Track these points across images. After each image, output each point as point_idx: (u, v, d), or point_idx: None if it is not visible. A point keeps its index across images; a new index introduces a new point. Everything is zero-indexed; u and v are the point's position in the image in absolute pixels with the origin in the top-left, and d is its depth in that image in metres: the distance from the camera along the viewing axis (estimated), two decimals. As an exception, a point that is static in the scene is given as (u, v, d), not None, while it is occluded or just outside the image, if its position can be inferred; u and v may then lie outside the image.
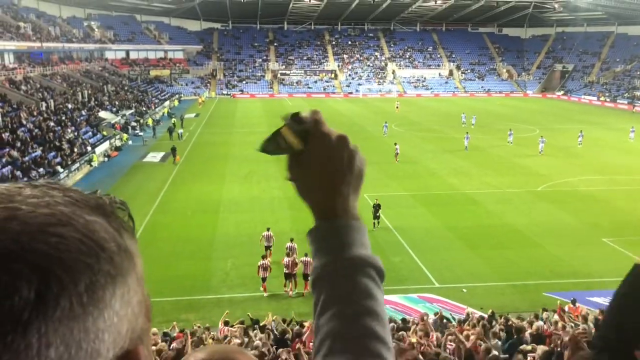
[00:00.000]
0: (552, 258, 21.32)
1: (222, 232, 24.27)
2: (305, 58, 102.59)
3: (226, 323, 13.78)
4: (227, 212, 27.27)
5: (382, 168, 36.00)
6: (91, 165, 37.80)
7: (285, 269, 18.49)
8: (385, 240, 23.01)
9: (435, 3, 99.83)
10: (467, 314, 14.77)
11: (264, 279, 18.50)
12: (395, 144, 39.34)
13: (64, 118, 43.56)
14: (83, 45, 77.74)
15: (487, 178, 34.01)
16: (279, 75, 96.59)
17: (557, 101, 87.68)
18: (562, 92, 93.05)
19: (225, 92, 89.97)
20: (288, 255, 18.88)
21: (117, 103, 59.34)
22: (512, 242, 23.01)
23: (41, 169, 32.07)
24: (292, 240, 19.46)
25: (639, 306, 1.66)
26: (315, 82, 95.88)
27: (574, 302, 14.95)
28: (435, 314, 14.88)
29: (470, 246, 22.58)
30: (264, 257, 19.20)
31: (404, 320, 13.86)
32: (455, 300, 17.46)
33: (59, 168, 33.49)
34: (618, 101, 79.12)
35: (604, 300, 15.52)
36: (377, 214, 24.34)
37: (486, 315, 14.34)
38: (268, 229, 21.16)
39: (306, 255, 18.04)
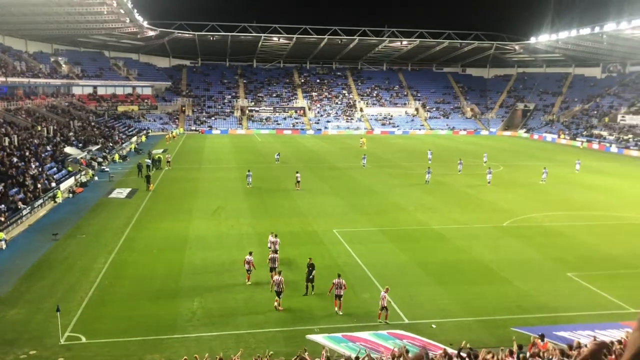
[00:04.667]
0: (519, 293, 21.56)
1: (188, 270, 23.79)
2: (274, 95, 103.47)
3: None
4: (194, 249, 26.83)
5: (350, 203, 36.38)
6: (55, 202, 36.90)
7: (276, 287, 19.75)
8: (355, 276, 22.93)
9: (401, 44, 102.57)
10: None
11: (248, 271, 21.94)
12: (297, 172, 42.95)
13: (27, 153, 42.62)
14: (49, 80, 76.84)
15: (454, 214, 34.45)
16: (247, 111, 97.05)
17: (520, 139, 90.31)
18: (524, 129, 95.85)
19: (193, 128, 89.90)
20: (279, 274, 20.23)
21: (83, 139, 58.51)
22: (480, 278, 23.22)
23: (2, 206, 31.13)
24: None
25: None
26: (285, 118, 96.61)
27: (542, 337, 14.96)
28: (407, 351, 14.71)
29: (439, 282, 22.67)
30: (250, 253, 22.61)
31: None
32: (424, 337, 17.39)
33: (21, 205, 32.57)
34: (577, 139, 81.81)
35: (571, 335, 15.67)
36: (311, 276, 20.98)
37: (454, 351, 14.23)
38: (250, 253, 22.77)
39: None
